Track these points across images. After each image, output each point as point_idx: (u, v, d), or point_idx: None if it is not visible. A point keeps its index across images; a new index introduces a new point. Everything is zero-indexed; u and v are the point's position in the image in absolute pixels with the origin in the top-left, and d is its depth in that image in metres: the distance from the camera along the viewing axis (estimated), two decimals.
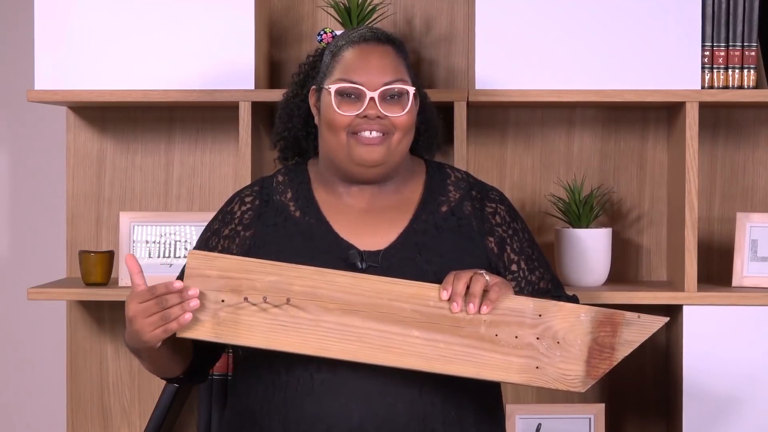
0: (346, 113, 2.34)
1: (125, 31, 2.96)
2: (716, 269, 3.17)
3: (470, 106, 3.02)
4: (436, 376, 2.24)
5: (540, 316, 2.23)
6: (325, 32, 2.94)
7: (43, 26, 2.97)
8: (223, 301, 2.22)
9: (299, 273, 2.23)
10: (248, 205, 2.44)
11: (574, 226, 3.03)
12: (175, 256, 2.99)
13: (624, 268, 3.18)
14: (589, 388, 2.57)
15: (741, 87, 2.96)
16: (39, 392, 3.58)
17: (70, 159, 3.20)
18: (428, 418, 2.28)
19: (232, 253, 2.36)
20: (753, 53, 2.95)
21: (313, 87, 2.45)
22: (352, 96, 2.35)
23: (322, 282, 2.22)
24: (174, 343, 2.28)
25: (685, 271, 2.91)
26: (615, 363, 2.24)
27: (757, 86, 3.00)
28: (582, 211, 3.02)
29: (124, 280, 2.98)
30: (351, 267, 2.31)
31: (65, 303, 3.22)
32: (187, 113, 3.19)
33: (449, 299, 2.22)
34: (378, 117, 2.34)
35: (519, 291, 2.41)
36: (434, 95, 2.67)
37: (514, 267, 2.43)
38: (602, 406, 2.99)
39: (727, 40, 2.95)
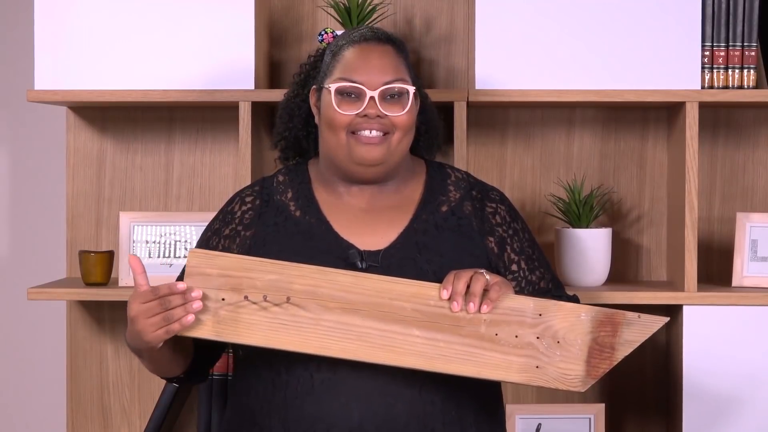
0: (346, 112, 2.35)
1: (125, 31, 2.96)
2: (716, 269, 3.17)
3: (470, 106, 3.02)
4: (436, 376, 2.25)
5: (540, 315, 2.23)
6: (326, 32, 2.95)
7: (43, 26, 2.97)
8: (223, 299, 2.22)
9: (300, 272, 2.23)
10: (249, 205, 2.44)
11: (574, 226, 3.03)
12: (175, 256, 2.99)
13: (624, 268, 3.18)
14: (589, 388, 2.58)
15: (741, 87, 2.96)
16: (39, 392, 3.58)
17: (70, 159, 3.20)
18: (428, 417, 2.28)
19: (232, 253, 2.36)
20: (753, 53, 2.96)
21: (314, 87, 2.45)
22: (353, 95, 2.35)
23: (322, 281, 2.22)
24: (175, 343, 2.28)
25: (685, 271, 2.91)
26: (615, 363, 2.24)
27: (757, 86, 3.00)
28: (582, 211, 3.02)
29: (124, 280, 2.98)
30: (351, 266, 2.31)
31: (65, 303, 3.22)
32: (187, 113, 3.19)
33: (449, 298, 2.22)
34: (378, 116, 2.34)
35: (519, 291, 2.41)
36: (434, 95, 2.67)
37: (514, 267, 2.43)
38: (602, 406, 2.99)
39: (727, 40, 2.95)
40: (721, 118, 3.17)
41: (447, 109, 2.88)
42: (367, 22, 3.00)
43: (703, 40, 2.94)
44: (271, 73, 3.20)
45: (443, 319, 2.22)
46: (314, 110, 2.45)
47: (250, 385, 2.34)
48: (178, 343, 2.29)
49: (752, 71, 2.96)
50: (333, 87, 2.36)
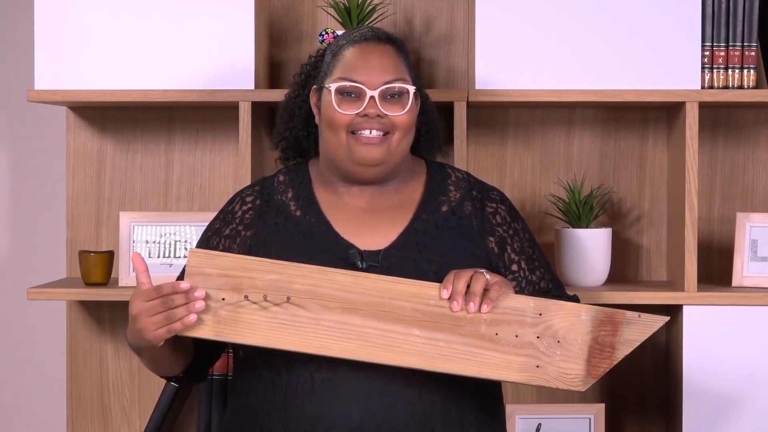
0: (346, 112, 2.35)
1: (125, 31, 2.96)
2: (716, 269, 3.17)
3: (470, 106, 3.02)
4: (437, 376, 2.24)
5: (540, 315, 2.23)
6: (327, 33, 2.95)
7: (43, 26, 2.97)
8: (223, 299, 2.22)
9: (300, 271, 2.23)
10: (249, 205, 2.44)
11: (574, 226, 3.03)
12: (175, 256, 2.99)
13: (624, 268, 3.18)
14: (589, 387, 2.58)
15: (741, 87, 2.96)
16: (39, 392, 3.58)
17: (70, 159, 3.20)
18: (428, 417, 2.28)
19: (233, 253, 2.36)
20: (753, 53, 2.96)
21: (315, 86, 2.45)
22: (353, 95, 2.35)
23: (322, 280, 2.22)
24: (175, 342, 2.28)
25: (685, 271, 2.91)
26: (615, 362, 2.24)
27: (757, 86, 3.00)
28: (582, 211, 3.02)
29: (124, 280, 2.98)
30: (351, 266, 2.31)
31: (65, 303, 3.22)
32: (187, 113, 3.19)
33: (450, 298, 2.22)
34: (378, 116, 2.34)
35: (519, 291, 2.41)
36: (434, 95, 2.68)
37: (514, 267, 2.43)
38: (602, 406, 2.99)
39: (727, 40, 2.95)
40: (721, 118, 3.17)
41: (447, 109, 2.88)
42: (367, 22, 3.00)
43: (703, 40, 2.95)
44: (271, 73, 3.20)
45: (443, 318, 2.22)
46: (315, 110, 2.45)
47: (250, 385, 2.34)
48: (178, 342, 2.29)
49: (752, 71, 2.96)
50: (333, 86, 2.36)
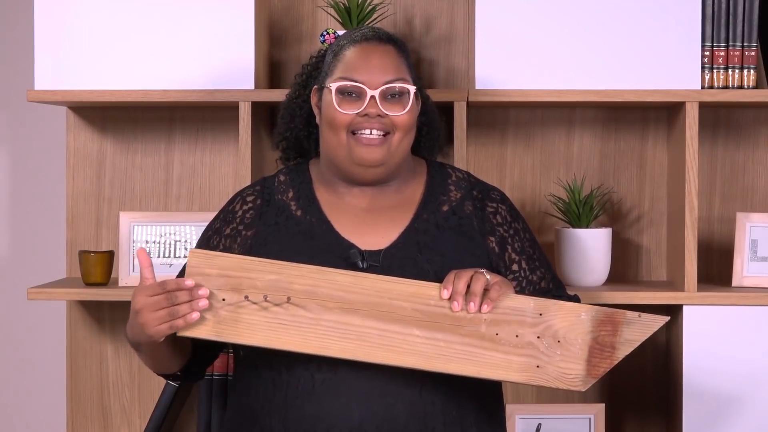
0: (346, 111, 2.35)
1: (125, 31, 2.96)
2: (716, 269, 3.17)
3: (470, 106, 3.02)
4: (437, 376, 2.24)
5: (541, 315, 2.23)
6: (328, 33, 2.95)
7: (43, 26, 2.97)
8: (223, 299, 2.22)
9: (299, 272, 2.23)
10: (249, 205, 2.44)
11: (574, 226, 3.03)
12: (175, 256, 2.99)
13: (624, 268, 3.18)
14: (589, 387, 2.58)
15: (741, 87, 2.96)
16: (39, 392, 3.58)
17: (70, 159, 3.20)
18: (428, 417, 2.28)
19: (233, 253, 2.36)
20: (753, 53, 2.96)
21: (315, 86, 2.45)
22: (353, 94, 2.35)
23: (322, 280, 2.22)
24: (175, 339, 2.28)
25: (685, 271, 2.91)
26: (615, 362, 2.24)
27: (757, 86, 3.00)
28: (582, 211, 3.02)
29: (124, 280, 2.98)
30: (352, 266, 2.31)
31: (65, 303, 3.22)
32: (187, 113, 3.19)
33: (450, 298, 2.22)
34: (378, 116, 2.34)
35: (520, 291, 2.41)
36: (434, 95, 2.68)
37: (515, 267, 2.43)
38: (602, 406, 2.99)
39: (727, 40, 2.95)
40: (721, 118, 3.17)
41: (447, 109, 2.88)
42: (367, 22, 3.00)
43: (703, 40, 2.95)
44: (271, 73, 3.20)
45: (443, 318, 2.22)
46: (315, 110, 2.45)
47: (250, 385, 2.34)
48: (178, 339, 2.29)
49: (752, 71, 2.96)
50: (334, 86, 2.36)
